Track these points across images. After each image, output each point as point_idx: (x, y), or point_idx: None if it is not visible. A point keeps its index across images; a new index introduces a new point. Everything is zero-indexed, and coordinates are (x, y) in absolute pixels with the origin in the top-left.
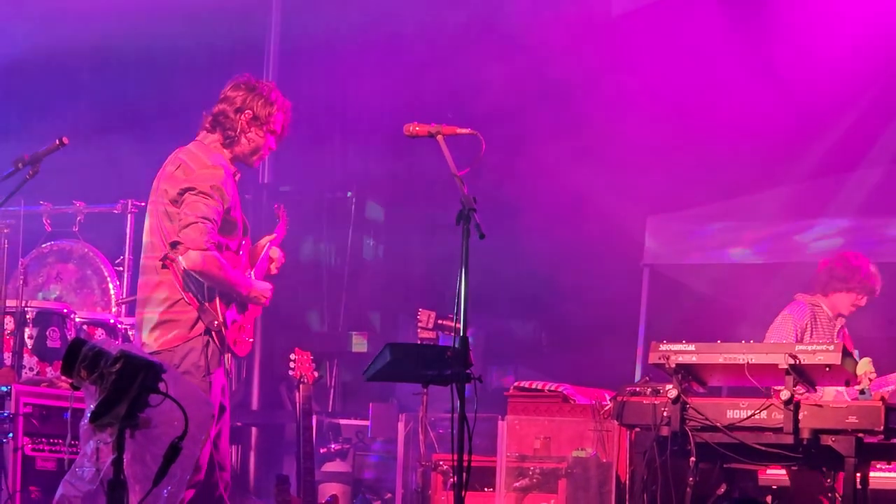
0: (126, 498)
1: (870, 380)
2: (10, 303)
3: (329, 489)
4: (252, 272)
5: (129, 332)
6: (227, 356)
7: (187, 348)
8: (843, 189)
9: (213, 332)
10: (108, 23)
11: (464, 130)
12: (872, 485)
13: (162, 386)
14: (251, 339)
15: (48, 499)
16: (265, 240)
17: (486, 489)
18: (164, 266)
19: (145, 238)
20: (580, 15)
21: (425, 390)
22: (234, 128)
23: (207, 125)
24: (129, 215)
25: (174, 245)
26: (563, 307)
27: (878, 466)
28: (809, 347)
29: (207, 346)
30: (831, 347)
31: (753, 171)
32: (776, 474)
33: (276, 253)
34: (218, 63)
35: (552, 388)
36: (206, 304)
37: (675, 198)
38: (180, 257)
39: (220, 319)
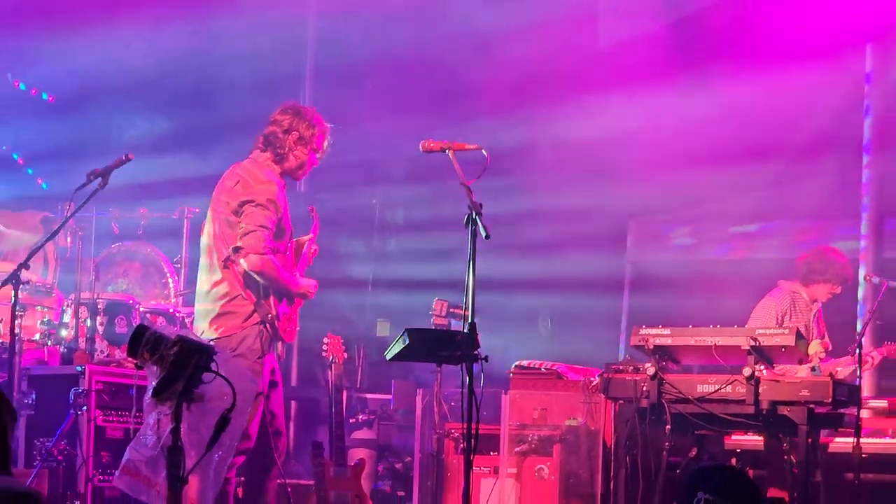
0: (183, 462)
1: (820, 359)
2: (85, 295)
3: (357, 454)
4: (297, 271)
5: (186, 320)
6: (278, 343)
7: (242, 335)
8: (795, 196)
9: (266, 323)
10: (169, 56)
11: (471, 146)
12: (868, 449)
13: (213, 366)
14: (297, 328)
15: (116, 462)
16: (304, 238)
17: (491, 453)
18: (225, 266)
19: (205, 241)
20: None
21: (439, 369)
22: (283, 147)
23: (260, 144)
24: (185, 220)
25: (236, 249)
26: (557, 296)
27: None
28: (768, 331)
29: (261, 335)
30: (786, 331)
31: (721, 182)
32: (740, 439)
33: (313, 249)
34: (259, 88)
35: (548, 367)
36: (262, 300)
37: (653, 203)
38: (241, 259)
39: (273, 313)
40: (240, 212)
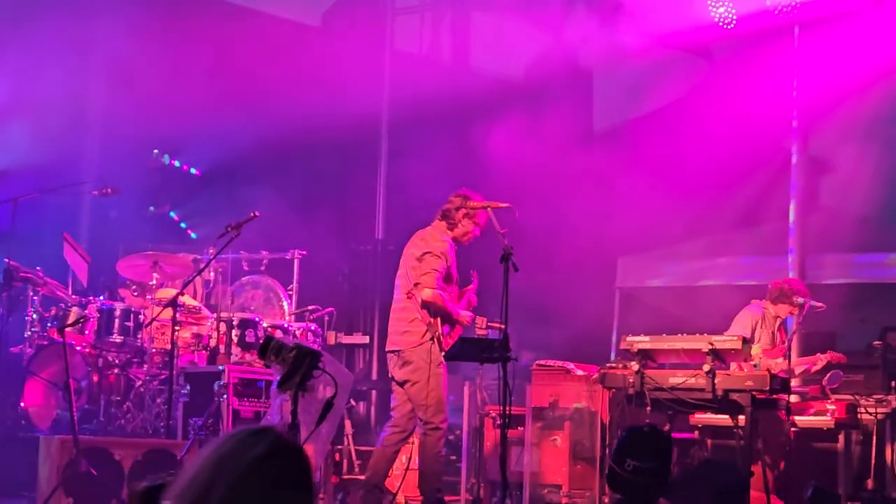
0: (299, 434)
1: (759, 359)
2: (224, 314)
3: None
4: (458, 306)
5: (296, 332)
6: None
7: (419, 351)
8: (740, 239)
9: (436, 338)
10: (274, 133)
11: (503, 205)
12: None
13: (321, 365)
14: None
15: None
16: (468, 287)
17: (518, 428)
18: (408, 297)
19: (397, 281)
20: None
21: (481, 366)
22: (454, 219)
23: (439, 216)
24: (295, 259)
25: (416, 285)
26: (564, 318)
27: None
28: (721, 338)
29: (431, 349)
30: (735, 338)
31: (684, 230)
32: (701, 417)
33: (473, 299)
34: (342, 152)
35: (560, 365)
36: (432, 322)
37: (641, 238)
38: (421, 293)
39: (439, 333)
40: (421, 259)
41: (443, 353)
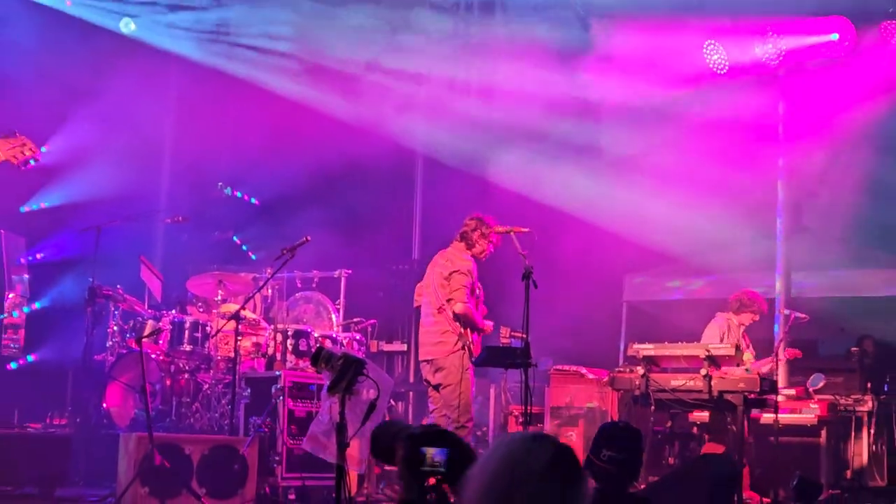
0: (346, 432)
1: (750, 363)
2: (280, 326)
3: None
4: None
5: (343, 341)
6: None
7: (451, 358)
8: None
9: (466, 347)
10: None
11: (524, 229)
12: (785, 422)
13: (365, 371)
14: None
15: (302, 433)
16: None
17: (538, 425)
18: (438, 311)
19: (425, 298)
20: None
21: (505, 371)
22: (472, 240)
23: (457, 238)
24: (342, 278)
25: (449, 300)
26: (577, 329)
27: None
28: (717, 345)
29: (462, 356)
30: (729, 346)
31: (696, 243)
32: (699, 415)
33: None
34: (383, 184)
35: (574, 370)
36: (463, 332)
37: (645, 258)
38: (454, 308)
39: (470, 341)
40: (449, 277)
41: (472, 360)
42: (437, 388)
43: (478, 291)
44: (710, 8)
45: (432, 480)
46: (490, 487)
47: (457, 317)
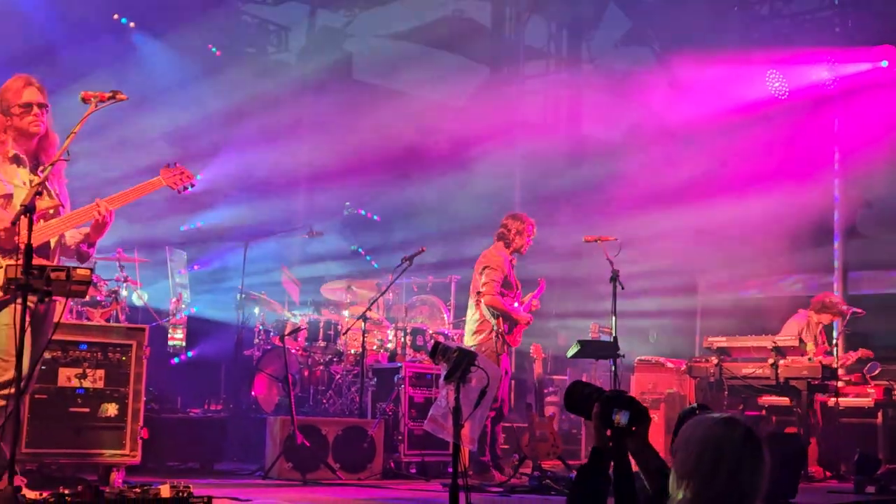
0: (460, 415)
1: (813, 353)
2: (400, 324)
3: (549, 409)
4: (521, 307)
5: (454, 337)
6: (506, 347)
7: (487, 344)
8: (795, 262)
9: (500, 336)
10: (443, 184)
11: (612, 238)
12: (845, 404)
13: (477, 363)
14: (520, 339)
15: (421, 416)
16: (528, 296)
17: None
18: (476, 304)
19: (471, 289)
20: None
21: (595, 361)
22: (508, 238)
23: (496, 236)
24: (452, 282)
25: (479, 293)
26: (659, 324)
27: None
28: (783, 337)
29: (496, 343)
30: (792, 338)
31: (762, 247)
32: (767, 399)
33: (535, 302)
34: (485, 200)
35: (656, 360)
36: (496, 322)
37: (717, 260)
38: (483, 299)
39: (502, 330)
40: (482, 273)
41: (507, 348)
42: None
43: (514, 284)
44: (771, 40)
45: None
46: (699, 460)
47: (487, 308)
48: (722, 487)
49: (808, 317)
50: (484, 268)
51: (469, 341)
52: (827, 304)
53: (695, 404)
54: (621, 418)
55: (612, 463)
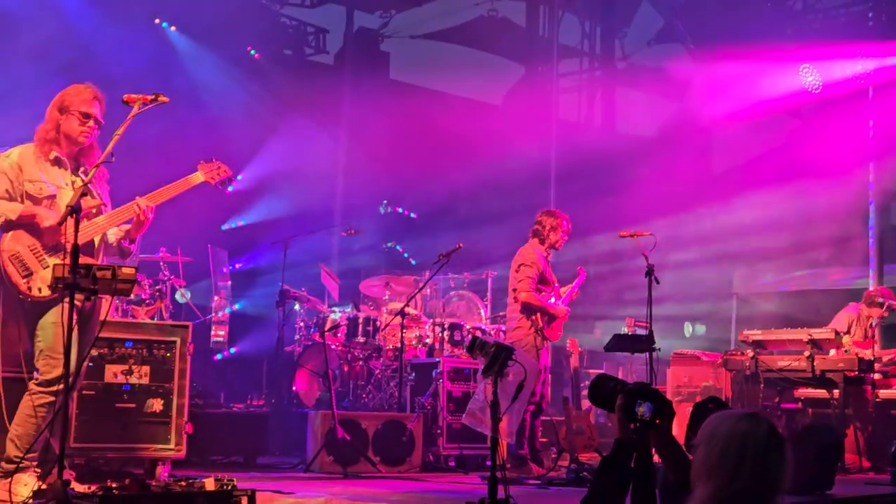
0: (498, 409)
1: (849, 346)
2: (438, 320)
3: (586, 403)
4: (557, 300)
5: (491, 332)
6: (545, 342)
7: (527, 339)
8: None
9: (538, 331)
10: (478, 183)
11: (646, 233)
12: (884, 396)
13: (514, 357)
14: (560, 333)
15: (459, 410)
16: (565, 288)
17: None
18: (514, 300)
19: (509, 287)
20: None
21: (632, 355)
22: (543, 234)
23: (531, 233)
24: (488, 278)
25: (515, 290)
26: (694, 317)
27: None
28: (818, 330)
29: (535, 338)
30: (828, 331)
31: (796, 241)
32: (803, 392)
33: (576, 292)
34: (520, 197)
35: (692, 353)
36: (534, 318)
37: (752, 255)
38: (519, 296)
39: (540, 326)
40: (518, 270)
41: (546, 342)
42: None
43: (551, 280)
44: (804, 35)
45: (637, 425)
46: (723, 455)
47: (524, 304)
48: (745, 483)
49: (860, 310)
50: (519, 265)
51: (509, 337)
52: (877, 299)
53: (707, 398)
54: (644, 411)
55: (635, 455)
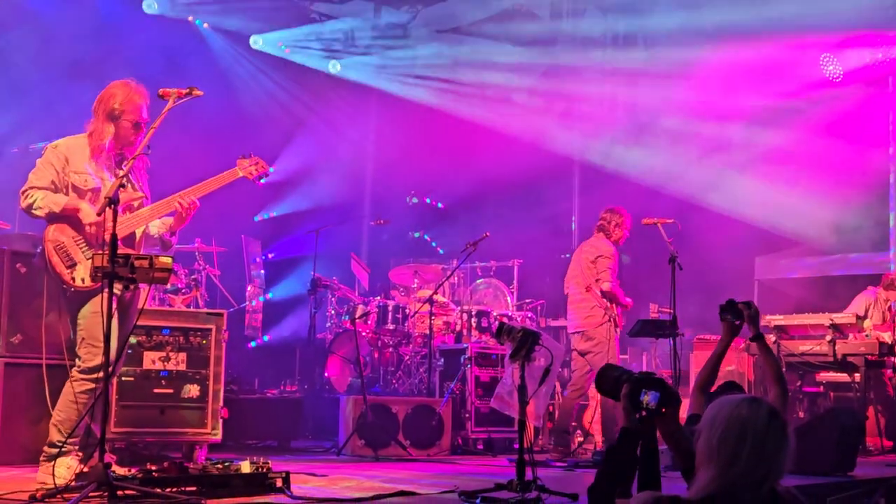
0: (526, 392)
1: (870, 330)
2: (465, 307)
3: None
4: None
5: (517, 318)
6: (618, 330)
7: (601, 328)
8: (851, 240)
9: (612, 319)
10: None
11: (669, 220)
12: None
13: (541, 342)
14: (623, 321)
15: (487, 395)
16: None
17: (682, 386)
18: (586, 290)
19: (573, 280)
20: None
21: (656, 340)
22: (609, 230)
23: (597, 229)
24: (515, 266)
25: (597, 280)
26: (717, 303)
27: None
28: (839, 315)
29: (609, 326)
30: (850, 315)
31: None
32: (825, 375)
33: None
34: (547, 188)
35: (715, 338)
36: (609, 307)
37: (772, 242)
38: (602, 287)
39: (614, 314)
40: (595, 261)
41: (618, 330)
42: (583, 354)
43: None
44: (826, 23)
45: (644, 413)
46: (723, 438)
47: (604, 294)
48: (746, 467)
49: (878, 294)
50: (597, 257)
51: (581, 326)
52: (892, 281)
53: (723, 384)
54: (650, 399)
55: (640, 443)
